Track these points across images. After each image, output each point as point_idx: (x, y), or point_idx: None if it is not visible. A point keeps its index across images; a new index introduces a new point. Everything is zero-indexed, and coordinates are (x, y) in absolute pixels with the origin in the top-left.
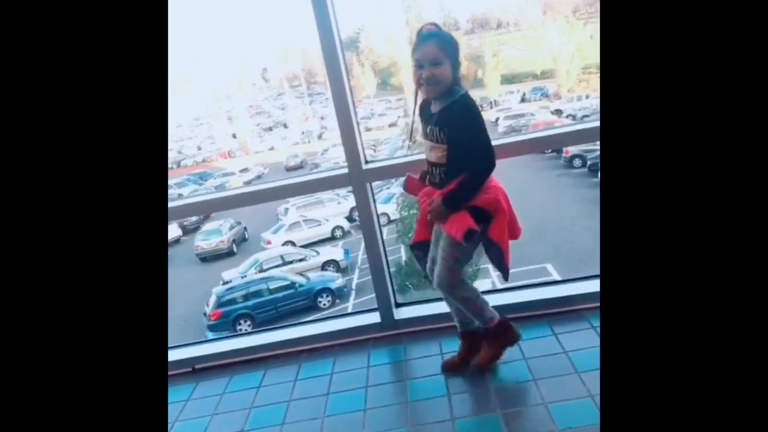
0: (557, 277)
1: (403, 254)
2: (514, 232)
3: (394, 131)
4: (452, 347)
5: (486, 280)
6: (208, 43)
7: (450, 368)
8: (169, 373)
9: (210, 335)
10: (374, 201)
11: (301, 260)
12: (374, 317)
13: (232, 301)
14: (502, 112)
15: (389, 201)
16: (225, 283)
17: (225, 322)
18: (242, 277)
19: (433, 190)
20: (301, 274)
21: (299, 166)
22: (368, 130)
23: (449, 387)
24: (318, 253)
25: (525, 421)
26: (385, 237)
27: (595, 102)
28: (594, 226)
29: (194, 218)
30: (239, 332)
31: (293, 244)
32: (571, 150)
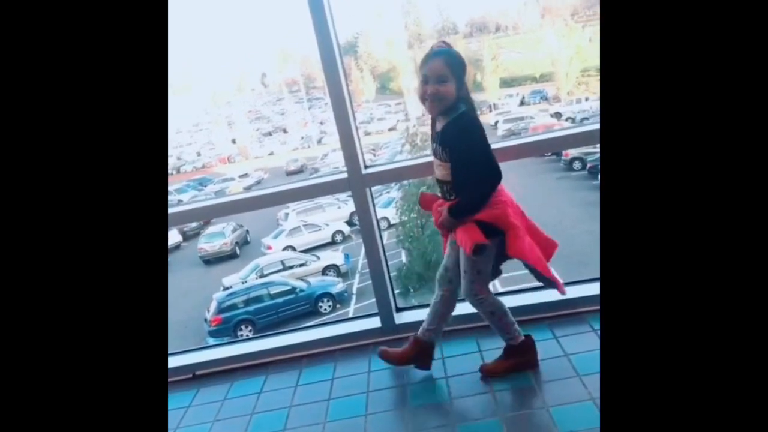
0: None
1: (403, 258)
2: (546, 248)
3: (393, 135)
4: (453, 351)
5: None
6: (207, 49)
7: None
8: (170, 379)
9: (211, 341)
10: (374, 205)
11: (301, 265)
12: (375, 322)
13: (233, 307)
14: (502, 115)
15: (389, 205)
16: (225, 288)
17: (226, 328)
18: (243, 283)
19: (444, 202)
20: (301, 279)
21: (299, 170)
22: (368, 134)
23: (450, 392)
24: (318, 257)
25: (527, 425)
26: (385, 241)
27: (594, 105)
28: (594, 229)
29: (194, 224)
30: (240, 338)
31: (293, 249)
32: (571, 153)
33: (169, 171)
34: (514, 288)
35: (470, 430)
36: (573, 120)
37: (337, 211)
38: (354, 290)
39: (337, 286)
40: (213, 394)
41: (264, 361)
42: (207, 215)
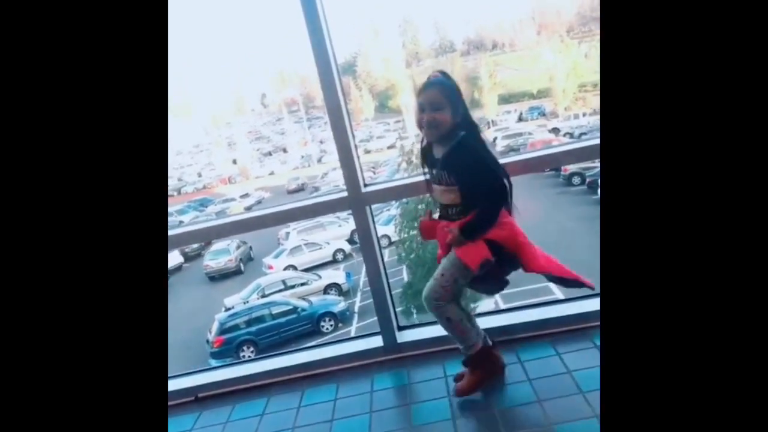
0: (560, 297)
1: (405, 276)
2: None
3: (393, 153)
4: (456, 369)
5: (489, 300)
6: (207, 71)
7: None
8: (172, 402)
9: (213, 362)
10: (374, 223)
11: (303, 284)
12: (377, 341)
13: (235, 328)
14: (500, 131)
15: (390, 223)
16: (227, 309)
17: (228, 349)
18: (244, 303)
19: (450, 223)
20: (303, 298)
21: (300, 189)
22: (367, 152)
23: (454, 410)
24: (320, 276)
25: None
26: (386, 259)
27: (592, 120)
28: (595, 244)
29: (195, 245)
30: (242, 359)
31: (295, 268)
32: (570, 168)
33: (170, 192)
34: (515, 305)
35: None
36: (571, 135)
37: (338, 230)
38: (356, 309)
39: (339, 305)
40: (215, 416)
41: (266, 383)
42: (208, 236)
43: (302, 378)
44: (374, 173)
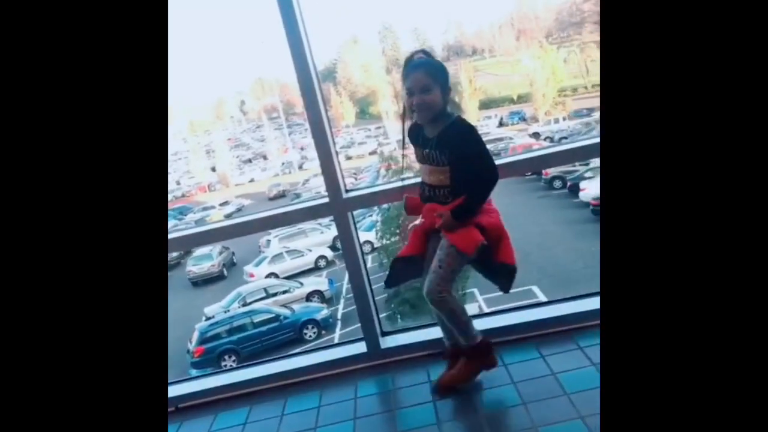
0: (544, 299)
1: None
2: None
3: (374, 159)
4: (439, 374)
5: (473, 304)
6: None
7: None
8: None
9: (194, 372)
10: (356, 230)
11: (285, 292)
12: (360, 347)
13: (216, 337)
14: (481, 137)
15: (372, 228)
16: (208, 318)
17: (209, 359)
18: (225, 312)
19: (438, 205)
20: (285, 306)
21: (282, 195)
22: (349, 158)
23: (439, 415)
24: (302, 284)
25: None
26: (369, 265)
27: (571, 124)
28: (578, 246)
29: (175, 254)
30: (224, 368)
31: (276, 276)
32: (551, 171)
33: None
34: (499, 308)
35: None
36: (551, 139)
37: (320, 236)
38: (339, 316)
39: (322, 312)
40: (196, 427)
41: (248, 391)
42: (188, 244)
43: (285, 386)
44: (356, 179)
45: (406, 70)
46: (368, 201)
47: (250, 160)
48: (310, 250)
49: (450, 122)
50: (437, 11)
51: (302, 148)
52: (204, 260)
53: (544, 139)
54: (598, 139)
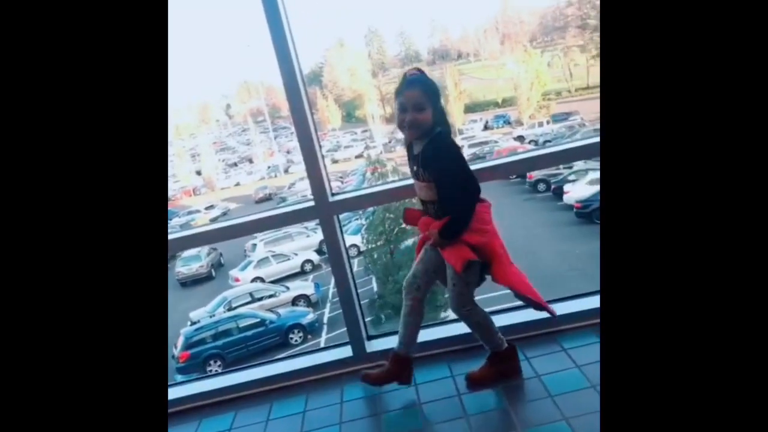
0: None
1: (374, 285)
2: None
3: (360, 162)
4: (426, 377)
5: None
6: (171, 81)
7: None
8: None
9: (179, 378)
10: (342, 233)
11: (270, 296)
12: (346, 351)
13: (201, 342)
14: (467, 140)
15: (358, 232)
16: (193, 323)
17: (194, 364)
18: (210, 317)
19: (431, 219)
20: (271, 310)
21: (268, 198)
22: (335, 162)
23: (425, 418)
24: (288, 288)
25: None
26: (355, 269)
27: (555, 127)
28: (562, 249)
29: None
30: (209, 373)
31: (262, 280)
32: (535, 175)
33: None
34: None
35: None
36: (536, 143)
37: (306, 240)
38: (325, 320)
39: (308, 316)
40: None
41: (234, 397)
42: (172, 249)
43: (271, 391)
44: (342, 182)
45: (401, 86)
46: (354, 204)
47: (235, 164)
48: (296, 254)
49: (431, 138)
50: (423, 15)
51: (288, 152)
52: (192, 261)
53: (529, 143)
54: (581, 143)
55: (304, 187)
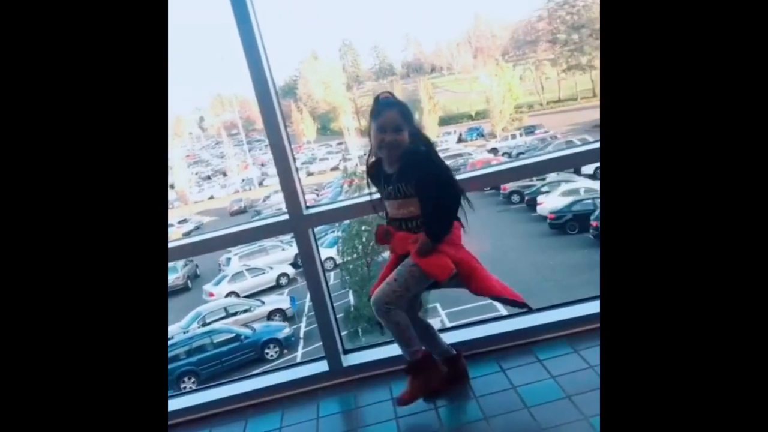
0: (505, 313)
1: (351, 299)
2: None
3: (336, 175)
4: (400, 390)
5: (436, 318)
6: None
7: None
8: None
9: None
10: (317, 246)
11: (245, 311)
12: (322, 366)
13: (175, 358)
14: (441, 153)
15: (334, 245)
16: None
17: (168, 381)
18: (184, 333)
19: (409, 234)
20: (246, 325)
21: (243, 210)
22: (310, 174)
23: None
24: (263, 302)
25: None
26: (331, 282)
27: (528, 139)
28: (537, 260)
29: None
30: (183, 390)
31: (237, 294)
32: (509, 186)
33: None
34: (460, 323)
35: None
36: (509, 155)
37: (281, 253)
38: (302, 334)
39: (284, 331)
40: None
41: (208, 414)
42: None
43: (246, 407)
44: (318, 195)
45: (377, 108)
46: (329, 217)
47: (209, 177)
48: (272, 268)
49: (405, 153)
50: (397, 29)
51: (263, 164)
52: (169, 273)
53: (502, 155)
54: (554, 155)
55: (279, 200)
